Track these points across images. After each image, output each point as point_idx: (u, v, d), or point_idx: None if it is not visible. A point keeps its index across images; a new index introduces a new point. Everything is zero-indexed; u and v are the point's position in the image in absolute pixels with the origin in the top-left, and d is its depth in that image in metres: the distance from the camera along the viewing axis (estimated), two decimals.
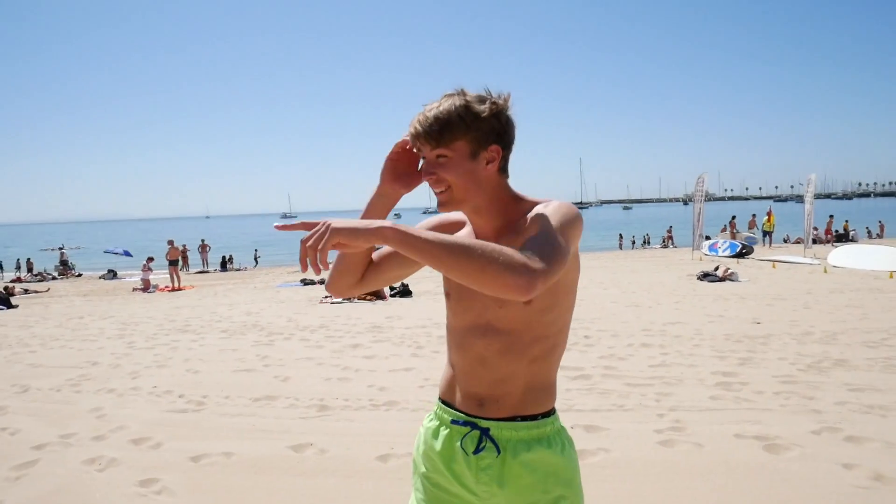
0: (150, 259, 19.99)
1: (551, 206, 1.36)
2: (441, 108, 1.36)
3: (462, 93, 1.38)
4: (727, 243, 21.29)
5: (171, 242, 20.64)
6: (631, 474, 3.57)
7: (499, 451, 1.44)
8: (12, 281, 23.64)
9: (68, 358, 7.53)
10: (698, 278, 14.00)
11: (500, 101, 1.39)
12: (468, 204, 1.43)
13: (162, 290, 18.58)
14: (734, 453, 3.80)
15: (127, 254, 29.45)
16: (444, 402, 1.59)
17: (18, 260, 30.26)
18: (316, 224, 1.21)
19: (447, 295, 1.57)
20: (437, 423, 1.58)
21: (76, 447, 4.34)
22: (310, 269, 1.19)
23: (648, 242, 36.12)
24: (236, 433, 4.50)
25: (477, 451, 1.46)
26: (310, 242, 1.19)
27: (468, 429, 1.48)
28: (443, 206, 1.44)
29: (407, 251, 1.18)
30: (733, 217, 26.29)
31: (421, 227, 1.57)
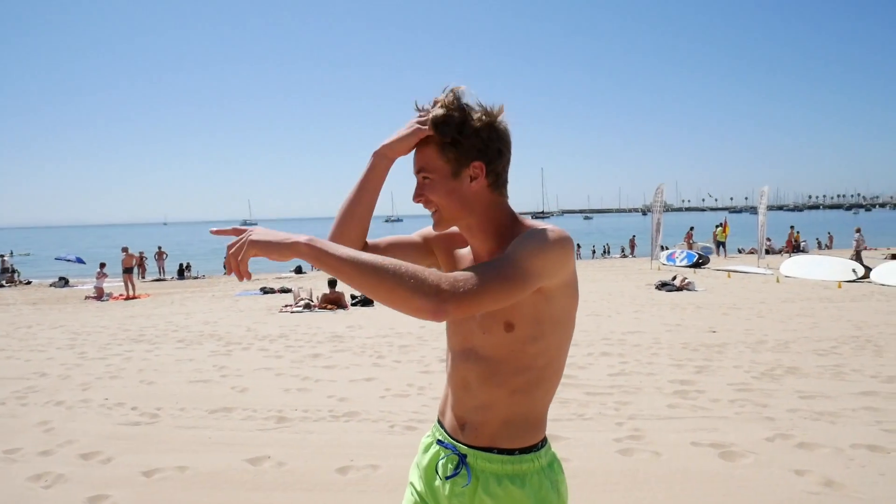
0: (103, 265, 19.42)
1: (532, 235, 1.30)
2: (442, 114, 1.38)
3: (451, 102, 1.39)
4: (684, 253, 21.75)
5: (125, 249, 20.11)
6: (590, 483, 3.59)
7: (469, 480, 1.41)
8: None
9: (15, 369, 7.25)
10: (656, 288, 14.25)
11: (483, 116, 1.37)
12: (459, 223, 1.44)
13: (116, 298, 18.07)
14: (691, 461, 3.85)
15: (79, 261, 28.56)
16: (438, 420, 1.59)
17: None
18: (245, 231, 1.25)
19: None
20: (431, 439, 1.58)
21: (21, 463, 4.16)
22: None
23: (608, 252, 36.68)
24: (191, 446, 4.38)
25: (450, 476, 1.44)
26: (232, 250, 1.22)
27: (449, 451, 1.47)
28: (436, 225, 1.45)
29: (321, 267, 1.20)
30: (691, 228, 26.89)
31: (426, 231, 1.59)
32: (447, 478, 1.45)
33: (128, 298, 18.02)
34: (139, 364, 7.32)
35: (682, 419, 4.67)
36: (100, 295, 18.06)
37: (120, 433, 4.73)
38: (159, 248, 29.60)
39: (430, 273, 1.18)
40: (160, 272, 28.38)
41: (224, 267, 1.22)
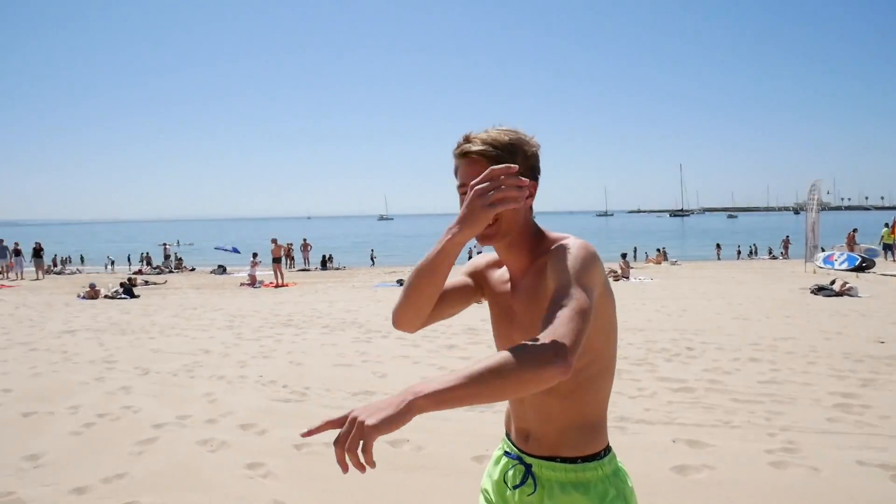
0: (256, 255, 21.03)
1: (568, 252, 1.34)
2: (497, 138, 1.39)
3: (505, 129, 1.42)
4: (844, 256, 19.86)
5: (274, 241, 21.58)
6: (738, 496, 3.39)
7: (535, 489, 1.45)
8: (135, 273, 25.54)
9: (184, 345, 8.04)
10: (812, 292, 13.14)
11: (533, 141, 1.44)
12: (509, 238, 1.45)
13: (267, 285, 19.48)
14: (856, 481, 3.52)
15: (235, 251, 31.12)
16: (506, 433, 1.64)
17: (148, 253, 32.76)
18: (342, 420, 1.09)
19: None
20: (500, 451, 1.63)
21: (190, 428, 4.62)
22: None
23: (755, 253, 34.34)
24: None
25: (518, 485, 1.48)
26: (347, 445, 1.06)
27: (516, 462, 1.52)
28: (487, 239, 1.44)
29: (447, 407, 1.12)
30: (854, 229, 24.50)
31: (469, 268, 1.65)
32: (514, 487, 1.49)
33: (277, 286, 19.35)
34: (288, 346, 7.85)
35: (845, 435, 4.27)
36: (253, 282, 19.55)
37: (273, 408, 5.11)
38: (304, 240, 31.52)
39: (535, 345, 1.17)
40: (305, 263, 30.23)
41: (339, 464, 1.10)
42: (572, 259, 1.32)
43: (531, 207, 1.47)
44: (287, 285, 19.53)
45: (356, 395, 5.45)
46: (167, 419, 4.82)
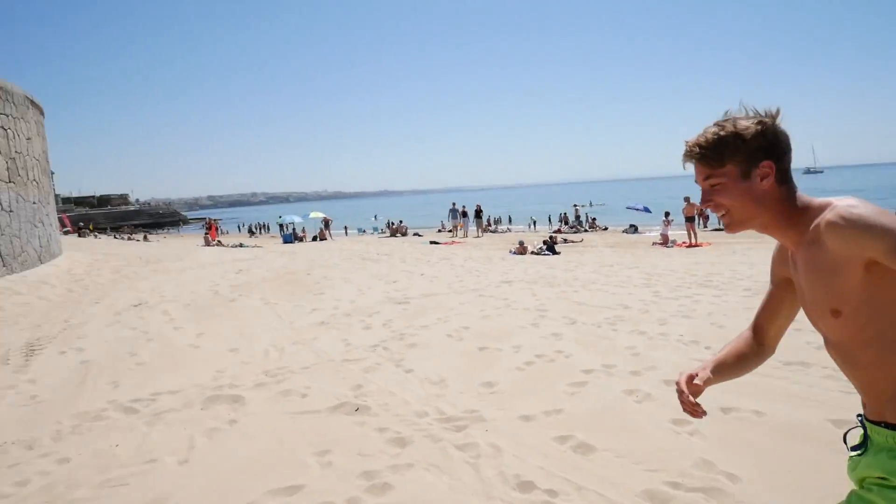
0: (668, 214, 20.74)
1: (858, 214, 1.31)
2: (705, 137, 1.48)
3: (728, 118, 1.49)
4: None
5: (687, 199, 21.00)
6: None
7: (864, 450, 1.50)
8: (554, 232, 27.91)
9: (604, 299, 8.51)
10: None
11: (767, 119, 1.46)
12: (752, 223, 1.51)
13: (679, 245, 19.15)
14: None
15: (646, 210, 31.28)
16: None
17: (566, 214, 35.70)
18: None
19: None
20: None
21: (616, 377, 4.91)
22: None
23: None
24: (767, 394, 4.37)
25: (854, 447, 1.54)
26: None
27: (858, 425, 1.56)
28: (728, 227, 1.55)
29: None
30: None
31: (771, 274, 1.75)
32: (852, 449, 1.56)
33: (689, 246, 18.86)
34: (707, 308, 7.62)
35: None
36: (665, 241, 19.46)
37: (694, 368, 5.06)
38: None
39: None
40: (720, 222, 28.76)
41: None
42: (870, 217, 1.30)
43: (779, 185, 1.47)
44: (700, 245, 18.87)
45: (788, 364, 5.02)
46: (594, 366, 5.21)
